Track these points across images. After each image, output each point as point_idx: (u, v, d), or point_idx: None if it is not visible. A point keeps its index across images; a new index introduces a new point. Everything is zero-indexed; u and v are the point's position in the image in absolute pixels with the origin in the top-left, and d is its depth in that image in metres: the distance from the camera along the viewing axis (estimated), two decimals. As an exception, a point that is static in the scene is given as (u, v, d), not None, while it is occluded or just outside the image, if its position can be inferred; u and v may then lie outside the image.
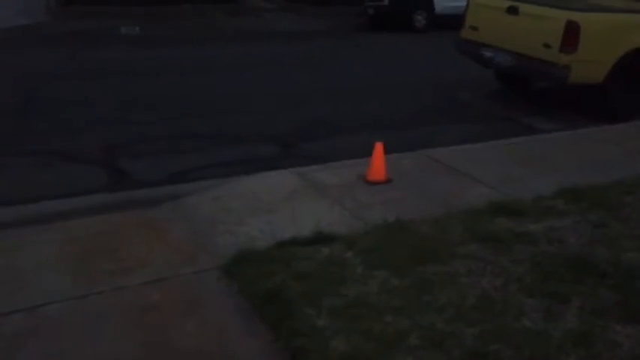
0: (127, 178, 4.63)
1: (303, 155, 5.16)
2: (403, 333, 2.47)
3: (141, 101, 6.62)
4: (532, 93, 7.62)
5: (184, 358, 2.42)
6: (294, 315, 2.59)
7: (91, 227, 3.53)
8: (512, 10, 6.42)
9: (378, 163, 4.21)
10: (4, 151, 5.03)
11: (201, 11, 13.72)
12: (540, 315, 2.61)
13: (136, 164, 4.86)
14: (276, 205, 3.86)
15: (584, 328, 2.52)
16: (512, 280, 2.90)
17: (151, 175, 4.64)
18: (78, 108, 6.30)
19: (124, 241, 3.37)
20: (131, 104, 6.48)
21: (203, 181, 4.38)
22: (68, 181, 4.47)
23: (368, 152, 4.30)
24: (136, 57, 9.11)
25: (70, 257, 3.17)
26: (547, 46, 6.01)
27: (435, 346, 2.39)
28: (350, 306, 2.67)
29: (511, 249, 3.22)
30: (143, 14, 12.77)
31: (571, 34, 5.81)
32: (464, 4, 7.31)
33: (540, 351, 2.36)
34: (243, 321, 2.64)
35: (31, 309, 2.69)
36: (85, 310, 2.71)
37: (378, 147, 4.23)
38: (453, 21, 8.30)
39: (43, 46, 9.93)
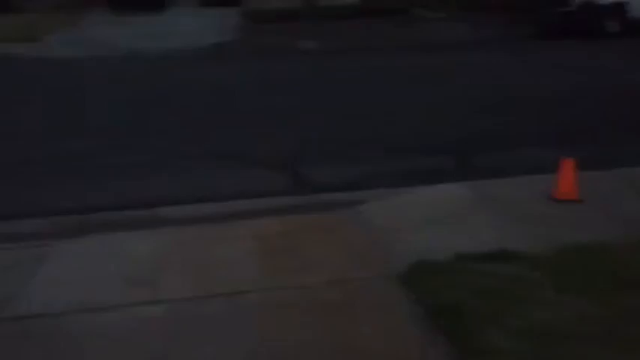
0: (306, 183, 4.87)
1: (479, 168, 4.98)
2: (602, 367, 2.23)
3: (316, 111, 6.95)
4: None
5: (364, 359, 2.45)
6: (475, 332, 2.48)
7: (274, 227, 3.78)
8: None
9: (567, 179, 3.88)
10: (191, 153, 5.58)
11: (372, 24, 14.04)
12: None
13: (314, 170, 5.09)
14: (452, 218, 3.76)
15: None
16: None
17: (328, 180, 4.82)
18: (259, 115, 6.82)
19: (304, 241, 3.54)
20: (302, 114, 6.82)
21: (378, 190, 4.44)
22: (251, 184, 4.82)
23: (550, 167, 4.01)
24: (313, 69, 9.62)
25: (256, 253, 3.42)
26: None
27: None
28: (537, 330, 2.49)
29: None
30: (320, 29, 13.45)
31: None
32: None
33: None
34: (421, 330, 2.59)
35: (229, 294, 2.94)
36: (272, 302, 2.89)
37: (568, 163, 3.91)
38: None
39: (227, 61, 10.99)
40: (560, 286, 2.79)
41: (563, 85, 7.90)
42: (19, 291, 3.05)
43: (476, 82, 8.28)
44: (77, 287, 3.08)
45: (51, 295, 3.00)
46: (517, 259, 3.06)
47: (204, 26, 14.41)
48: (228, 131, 6.36)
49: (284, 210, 4.15)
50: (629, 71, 8.41)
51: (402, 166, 5.08)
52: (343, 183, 4.72)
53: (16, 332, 2.73)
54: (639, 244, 3.22)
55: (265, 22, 14.00)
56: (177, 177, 5.02)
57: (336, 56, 10.85)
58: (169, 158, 5.47)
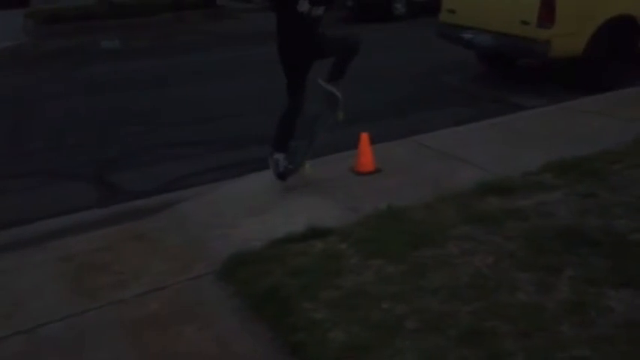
0: (120, 191, 4.65)
1: (294, 152, 5.17)
2: (400, 318, 2.49)
3: (128, 114, 6.63)
4: (516, 71, 7.65)
5: (186, 363, 2.44)
6: (291, 311, 2.61)
7: (85, 244, 3.55)
8: (488, -10, 6.44)
9: (365, 154, 4.23)
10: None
11: (182, 18, 13.71)
12: (534, 288, 2.64)
13: (129, 176, 4.88)
14: (269, 205, 3.88)
15: (578, 297, 2.55)
16: (505, 256, 2.92)
17: (144, 185, 4.65)
18: (66, 126, 6.31)
19: (119, 254, 3.38)
20: (119, 117, 6.50)
21: (197, 187, 4.40)
22: (60, 200, 4.47)
23: (357, 144, 4.33)
24: (118, 70, 9.11)
25: (66, 275, 3.19)
26: (525, 22, 6.03)
27: (432, 328, 2.42)
28: (347, 296, 2.70)
29: (503, 226, 3.24)
30: (123, 26, 12.75)
31: (547, 9, 5.83)
32: (441, -12, 7.34)
33: (535, 323, 2.39)
34: (241, 322, 2.66)
35: (31, 330, 2.71)
36: (84, 327, 2.72)
37: (364, 137, 4.26)
38: (431, 6, 8.34)
39: (27, 67, 9.93)
40: (363, 253, 3.05)
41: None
42: None
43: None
44: None
45: None
46: (326, 234, 3.27)
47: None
48: (31, 144, 5.78)
49: (97, 224, 3.92)
50: (413, 49, 9.33)
51: (224, 161, 5.09)
52: (159, 186, 4.60)
53: None
54: (432, 203, 3.64)
55: (60, 22, 12.85)
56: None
57: (143, 54, 10.39)
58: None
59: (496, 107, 6.13)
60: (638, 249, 2.89)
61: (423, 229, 3.29)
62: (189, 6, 14.27)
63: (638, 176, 3.81)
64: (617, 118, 5.14)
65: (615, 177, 3.83)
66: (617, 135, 4.59)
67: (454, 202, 3.61)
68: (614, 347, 2.26)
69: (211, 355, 2.46)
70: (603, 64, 6.25)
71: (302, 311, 2.60)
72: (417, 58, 8.62)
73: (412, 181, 4.10)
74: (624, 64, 6.41)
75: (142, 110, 6.74)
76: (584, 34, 6.09)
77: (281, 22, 3.74)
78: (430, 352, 2.29)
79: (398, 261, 2.95)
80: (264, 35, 11.76)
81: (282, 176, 4.00)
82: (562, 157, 4.12)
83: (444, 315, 2.49)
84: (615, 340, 2.29)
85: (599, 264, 2.79)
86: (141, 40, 11.80)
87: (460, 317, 2.47)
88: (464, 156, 4.47)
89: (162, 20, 13.50)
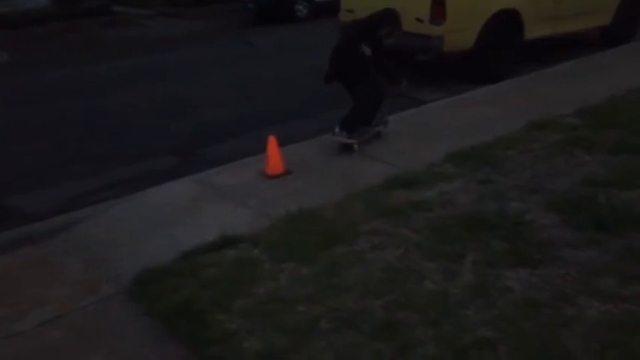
0: (14, 215, 4.32)
1: (202, 161, 5.07)
2: (315, 319, 2.51)
3: (18, 131, 6.18)
4: (415, 66, 7.94)
5: (96, 392, 2.31)
6: (206, 324, 2.55)
7: (-23, 275, 3.27)
8: (383, -10, 6.63)
9: (274, 156, 4.22)
10: None
11: (75, 27, 12.99)
12: (440, 276, 2.75)
13: (22, 198, 4.55)
14: (177, 216, 3.77)
15: (480, 280, 2.69)
16: (413, 247, 3.03)
17: (39, 207, 4.36)
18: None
19: (16, 283, 3.15)
20: (8, 136, 6.04)
21: (97, 205, 4.19)
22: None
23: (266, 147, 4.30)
24: (5, 85, 8.48)
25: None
26: (419, 20, 6.28)
27: (347, 325, 2.46)
28: (261, 303, 2.68)
29: (410, 218, 3.36)
30: (10, 38, 11.89)
31: (438, 7, 6.11)
32: (340, -11, 7.46)
33: (443, 310, 2.49)
34: (154, 342, 2.56)
35: None
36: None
37: (272, 140, 4.24)
38: (332, 7, 8.47)
39: None
40: (276, 257, 3.04)
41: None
42: None
43: (188, 76, 8.36)
44: None
45: None
46: (237, 242, 3.22)
47: None
48: None
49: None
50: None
51: (128, 175, 4.88)
52: (56, 206, 4.33)
53: None
54: (341, 201, 3.69)
55: None
56: None
57: (34, 67, 9.74)
58: None
59: (398, 102, 6.31)
60: (530, 229, 3.10)
61: (334, 228, 3.33)
62: (82, 14, 13.54)
63: (528, 161, 4.08)
64: (508, 106, 5.48)
65: (509, 162, 4.09)
66: (509, 122, 4.89)
67: (363, 198, 3.69)
68: (515, 326, 2.40)
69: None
70: (492, 55, 6.64)
71: (216, 323, 2.55)
72: (321, 58, 8.69)
73: (322, 181, 4.14)
74: (511, 55, 6.85)
75: (33, 127, 6.31)
76: (473, 28, 6.43)
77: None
78: (346, 350, 2.32)
79: (311, 262, 2.97)
80: (165, 42, 11.52)
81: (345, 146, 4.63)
82: (460, 147, 4.32)
83: (357, 311, 2.53)
84: (516, 319, 2.43)
85: (498, 247, 2.96)
86: (31, 53, 11.06)
87: (373, 312, 2.52)
88: (371, 152, 4.58)
89: (53, 30, 12.71)
